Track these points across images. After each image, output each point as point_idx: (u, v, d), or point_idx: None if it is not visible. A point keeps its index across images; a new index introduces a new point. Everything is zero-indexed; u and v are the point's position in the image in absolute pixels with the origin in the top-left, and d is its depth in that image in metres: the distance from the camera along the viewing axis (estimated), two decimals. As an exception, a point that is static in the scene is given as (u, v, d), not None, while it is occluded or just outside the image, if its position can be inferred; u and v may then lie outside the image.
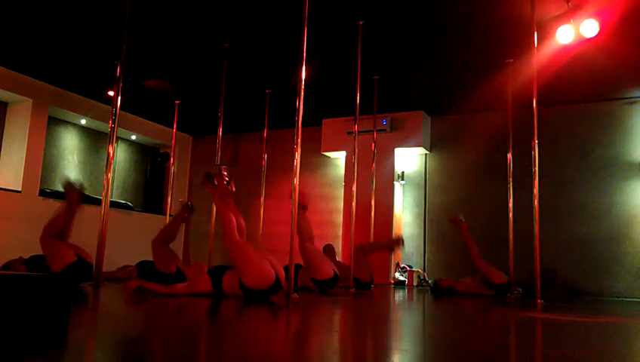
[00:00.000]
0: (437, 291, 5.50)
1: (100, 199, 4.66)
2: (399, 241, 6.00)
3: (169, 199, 7.73)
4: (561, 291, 6.13)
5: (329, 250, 5.74)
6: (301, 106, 4.00)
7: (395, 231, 7.22)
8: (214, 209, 6.29)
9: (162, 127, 8.55)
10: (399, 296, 5.14)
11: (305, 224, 4.72)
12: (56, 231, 4.09)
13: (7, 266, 4.71)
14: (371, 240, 6.11)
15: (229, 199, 3.74)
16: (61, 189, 7.26)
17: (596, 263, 6.26)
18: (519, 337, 2.39)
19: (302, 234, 4.66)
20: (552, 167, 6.45)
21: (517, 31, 4.83)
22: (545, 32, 4.75)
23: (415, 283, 7.01)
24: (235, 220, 3.59)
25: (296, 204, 4.31)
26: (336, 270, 4.82)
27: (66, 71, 6.46)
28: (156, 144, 8.94)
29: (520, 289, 5.73)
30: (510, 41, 5.12)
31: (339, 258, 6.88)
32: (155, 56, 5.93)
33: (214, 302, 3.26)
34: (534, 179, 4.60)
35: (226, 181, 3.74)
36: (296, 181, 3.93)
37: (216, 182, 3.72)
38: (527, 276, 5.31)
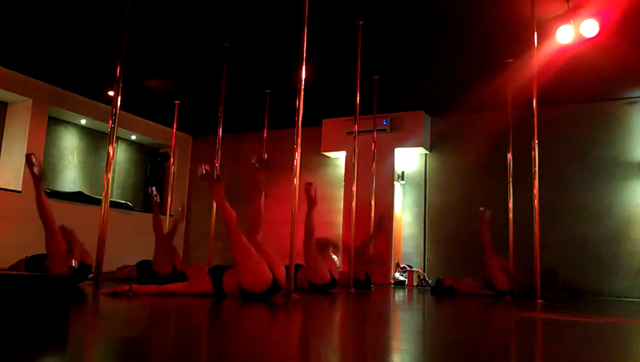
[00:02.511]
0: (437, 291, 5.50)
1: (100, 199, 4.67)
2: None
3: (169, 199, 7.73)
4: (561, 291, 6.13)
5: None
6: (301, 106, 4.00)
7: (395, 231, 7.22)
8: (214, 209, 6.30)
9: (162, 127, 8.55)
10: (399, 296, 5.14)
11: (313, 222, 4.79)
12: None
13: (12, 268, 4.71)
14: (371, 240, 6.10)
15: (222, 193, 3.68)
16: (61, 189, 7.29)
17: (596, 263, 6.26)
18: (519, 337, 2.39)
19: (308, 232, 4.71)
20: (552, 167, 6.44)
21: (517, 31, 4.83)
22: (545, 32, 4.75)
23: (415, 283, 7.01)
24: (235, 215, 3.57)
25: (309, 202, 4.38)
26: (334, 274, 4.84)
27: (66, 71, 6.47)
28: (156, 144, 8.94)
29: (520, 289, 5.73)
30: (510, 41, 5.12)
31: (338, 261, 6.87)
32: (155, 56, 5.93)
33: (214, 302, 3.26)
34: (534, 179, 4.61)
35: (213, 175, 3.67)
36: (296, 181, 3.93)
37: (215, 177, 3.65)
38: (527, 276, 5.30)
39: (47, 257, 4.10)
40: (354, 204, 5.51)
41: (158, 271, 5.05)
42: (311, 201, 4.67)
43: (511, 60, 5.53)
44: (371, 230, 6.11)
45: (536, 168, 4.60)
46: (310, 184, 4.74)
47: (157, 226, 5.05)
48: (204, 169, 3.55)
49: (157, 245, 5.03)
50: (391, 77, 6.23)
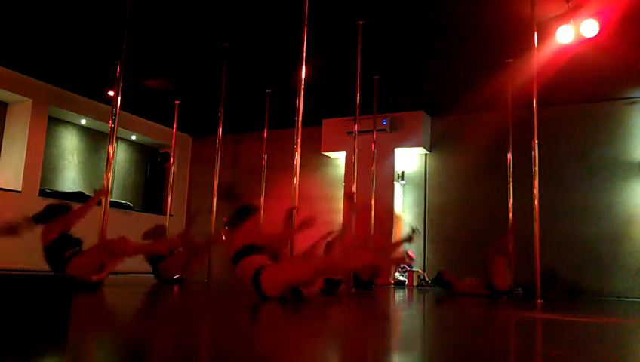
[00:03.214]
0: (437, 282, 5.62)
1: (100, 199, 4.67)
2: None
3: (169, 199, 7.73)
4: (561, 291, 6.13)
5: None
6: (301, 106, 4.00)
7: (396, 231, 7.22)
8: (214, 209, 6.32)
9: (162, 127, 8.54)
10: (399, 295, 5.14)
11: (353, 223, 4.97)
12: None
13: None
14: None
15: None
16: (61, 189, 7.28)
17: (596, 263, 6.26)
18: (519, 337, 2.39)
19: (347, 231, 4.90)
20: (552, 167, 6.44)
21: (517, 31, 4.83)
22: (545, 32, 4.75)
23: (415, 283, 7.01)
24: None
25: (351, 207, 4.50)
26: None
27: (66, 71, 6.46)
28: (156, 144, 8.93)
29: (520, 289, 5.73)
30: (510, 41, 5.12)
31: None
32: (155, 56, 5.92)
33: (216, 301, 3.26)
34: (534, 179, 4.60)
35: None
36: (296, 181, 3.94)
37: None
38: (527, 276, 5.30)
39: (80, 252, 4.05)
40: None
41: (163, 274, 5.23)
42: (354, 207, 4.88)
43: (511, 60, 5.53)
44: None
45: (536, 168, 4.60)
46: (353, 192, 5.04)
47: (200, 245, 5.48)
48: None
49: (181, 254, 5.37)
50: (391, 77, 6.23)
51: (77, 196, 7.05)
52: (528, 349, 1.96)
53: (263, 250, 3.58)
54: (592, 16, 4.45)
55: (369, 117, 6.64)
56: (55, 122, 7.43)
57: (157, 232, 5.67)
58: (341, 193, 7.71)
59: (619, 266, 6.19)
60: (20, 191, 6.46)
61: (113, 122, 4.64)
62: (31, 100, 6.70)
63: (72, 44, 5.64)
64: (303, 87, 4.04)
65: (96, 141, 8.08)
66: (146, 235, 5.60)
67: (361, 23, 4.92)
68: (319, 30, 4.70)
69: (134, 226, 7.61)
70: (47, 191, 6.83)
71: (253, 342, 1.87)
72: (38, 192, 6.66)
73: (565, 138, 6.66)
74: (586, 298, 5.84)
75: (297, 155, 3.96)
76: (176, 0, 4.64)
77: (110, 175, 4.59)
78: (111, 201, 5.34)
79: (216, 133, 6.32)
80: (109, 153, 4.60)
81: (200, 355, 1.56)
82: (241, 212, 3.71)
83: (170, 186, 7.83)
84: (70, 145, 7.75)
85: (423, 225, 7.38)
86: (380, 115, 6.93)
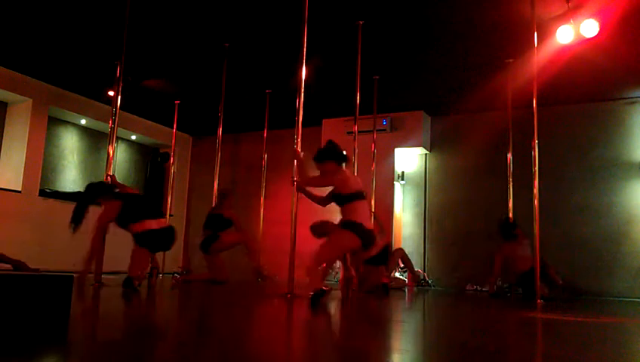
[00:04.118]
0: (505, 227, 5.44)
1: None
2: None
3: (169, 199, 7.73)
4: (561, 291, 6.12)
5: None
6: (301, 106, 4.01)
7: (395, 231, 7.22)
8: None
9: (162, 127, 8.54)
10: (399, 295, 5.14)
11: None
12: None
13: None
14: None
15: None
16: (61, 189, 7.28)
17: (596, 263, 6.25)
18: (520, 337, 2.39)
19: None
20: (552, 167, 6.44)
21: (517, 31, 4.83)
22: (545, 32, 4.75)
23: (415, 283, 7.00)
24: None
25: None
26: None
27: (66, 71, 6.46)
28: (156, 144, 8.93)
29: (520, 290, 5.72)
30: (510, 41, 5.11)
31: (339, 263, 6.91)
32: (155, 56, 5.92)
33: (216, 300, 3.26)
34: (534, 179, 4.60)
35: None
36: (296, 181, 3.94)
37: None
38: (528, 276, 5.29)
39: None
40: (354, 203, 5.51)
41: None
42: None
43: (511, 60, 5.53)
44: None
45: (536, 168, 4.60)
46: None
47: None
48: None
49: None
50: (391, 77, 6.22)
51: (77, 196, 7.05)
52: (528, 349, 1.96)
53: None
54: (592, 16, 4.45)
55: (369, 117, 6.64)
56: (55, 122, 7.43)
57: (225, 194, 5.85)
58: (341, 193, 7.69)
59: (619, 266, 6.19)
60: (20, 191, 6.46)
61: (113, 122, 4.64)
62: (31, 100, 6.70)
63: (72, 44, 5.64)
64: (303, 87, 4.04)
65: (96, 141, 8.09)
66: (222, 195, 5.78)
67: (361, 23, 4.92)
68: (319, 30, 4.70)
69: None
70: (47, 191, 6.83)
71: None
72: (38, 192, 6.66)
73: (565, 138, 6.66)
74: (586, 298, 5.84)
75: (297, 155, 3.96)
76: (177, 0, 4.64)
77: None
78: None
79: (216, 133, 6.32)
80: (109, 153, 4.60)
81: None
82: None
83: (170, 186, 7.83)
84: (70, 145, 7.75)
85: (423, 225, 7.37)
86: (379, 115, 6.93)
